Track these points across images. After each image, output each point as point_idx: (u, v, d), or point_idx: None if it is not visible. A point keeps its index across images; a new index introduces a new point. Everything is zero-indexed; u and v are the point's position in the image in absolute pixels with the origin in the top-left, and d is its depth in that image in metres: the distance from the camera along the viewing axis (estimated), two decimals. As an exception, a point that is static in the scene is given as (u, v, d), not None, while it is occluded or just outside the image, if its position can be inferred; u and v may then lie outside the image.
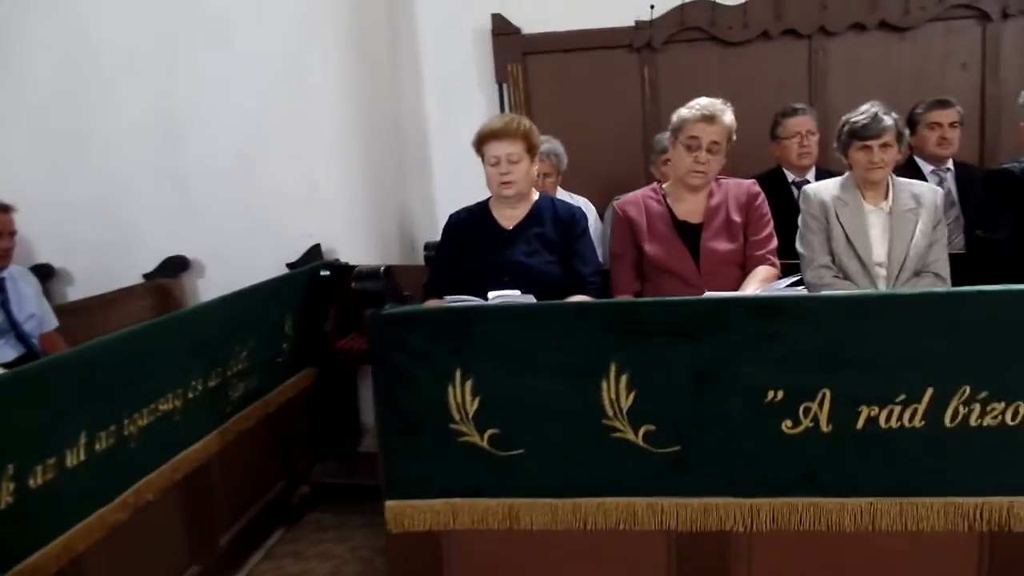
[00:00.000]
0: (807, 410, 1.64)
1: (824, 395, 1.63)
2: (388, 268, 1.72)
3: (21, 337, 2.66)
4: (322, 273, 3.42)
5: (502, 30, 4.03)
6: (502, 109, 4.13)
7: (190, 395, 2.44)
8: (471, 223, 2.42)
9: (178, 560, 2.40)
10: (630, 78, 4.03)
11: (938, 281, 2.27)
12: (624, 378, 1.68)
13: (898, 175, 2.42)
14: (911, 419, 1.61)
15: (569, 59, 4.06)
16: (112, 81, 3.82)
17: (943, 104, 3.05)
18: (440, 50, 4.19)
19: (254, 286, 3.31)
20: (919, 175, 2.96)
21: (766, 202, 2.34)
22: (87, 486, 1.99)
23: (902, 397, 1.61)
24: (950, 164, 3.07)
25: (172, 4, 3.73)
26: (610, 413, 1.70)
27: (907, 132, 2.32)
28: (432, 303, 2.35)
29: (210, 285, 3.91)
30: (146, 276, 3.92)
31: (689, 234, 2.29)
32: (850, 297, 1.62)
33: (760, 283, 2.17)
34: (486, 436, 1.75)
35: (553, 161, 3.13)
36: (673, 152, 2.33)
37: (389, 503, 1.80)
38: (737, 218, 2.28)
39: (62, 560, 1.88)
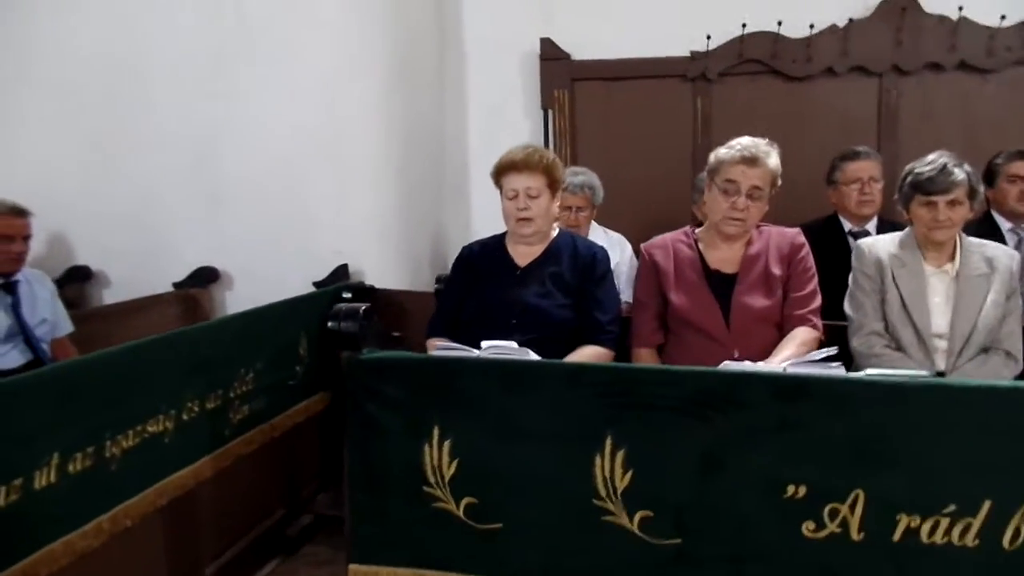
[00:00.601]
0: (834, 512, 1.39)
1: (856, 496, 1.38)
2: (369, 309, 1.55)
3: (29, 342, 2.61)
4: (344, 295, 3.30)
5: (551, 55, 3.88)
6: (546, 136, 3.98)
7: (184, 416, 2.33)
8: (483, 258, 2.25)
9: (156, 590, 2.28)
10: (682, 110, 3.82)
11: (1009, 361, 1.96)
12: (620, 454, 1.47)
13: (971, 233, 2.13)
14: (962, 536, 1.34)
15: (618, 87, 3.88)
16: (153, 90, 3.84)
17: None
18: (487, 73, 4.08)
19: (269, 305, 3.22)
20: (996, 233, 2.64)
21: (811, 255, 2.09)
22: (56, 510, 1.88)
23: (952, 508, 1.35)
24: None
25: (217, 18, 3.74)
26: (603, 493, 1.48)
27: (982, 188, 2.03)
28: (433, 343, 2.18)
29: (238, 298, 3.87)
30: (176, 285, 3.90)
31: (721, 286, 2.06)
32: (894, 382, 1.37)
33: (798, 347, 1.91)
34: (462, 505, 1.56)
35: (587, 194, 2.93)
36: (708, 195, 2.11)
37: (353, 567, 1.62)
38: (777, 271, 2.04)
39: (21, 586, 1.78)
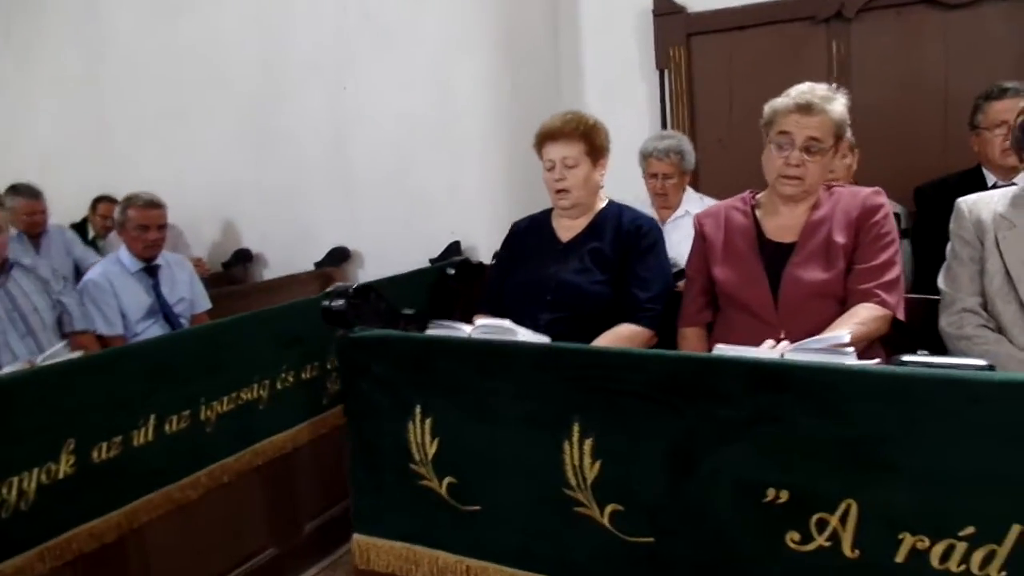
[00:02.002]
0: (822, 523, 1.18)
1: (848, 507, 1.16)
2: (365, 286, 1.59)
3: (169, 318, 3.00)
4: (448, 271, 3.39)
5: (665, 9, 3.63)
6: (662, 99, 3.74)
7: (279, 386, 2.55)
8: (529, 233, 2.19)
9: (256, 541, 2.53)
10: (815, 58, 3.38)
11: None
12: (588, 443, 1.37)
13: (955, 191, 1.73)
14: (984, 565, 1.08)
15: (740, 38, 3.52)
16: (293, 87, 4.21)
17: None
18: (601, 38, 3.91)
19: (374, 282, 3.42)
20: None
21: (890, 218, 1.76)
22: (154, 465, 2.15)
23: (970, 530, 1.08)
24: None
25: (341, 15, 4.00)
26: (573, 483, 1.39)
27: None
28: (479, 319, 2.17)
29: (368, 275, 4.16)
30: (316, 265, 4.27)
31: (776, 257, 1.80)
32: (892, 373, 1.12)
33: (858, 326, 1.62)
34: (444, 484, 1.55)
35: (674, 160, 2.72)
36: (765, 153, 1.86)
37: (356, 537, 1.68)
38: (840, 239, 1.74)
39: (123, 528, 2.06)
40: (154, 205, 2.95)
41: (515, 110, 3.85)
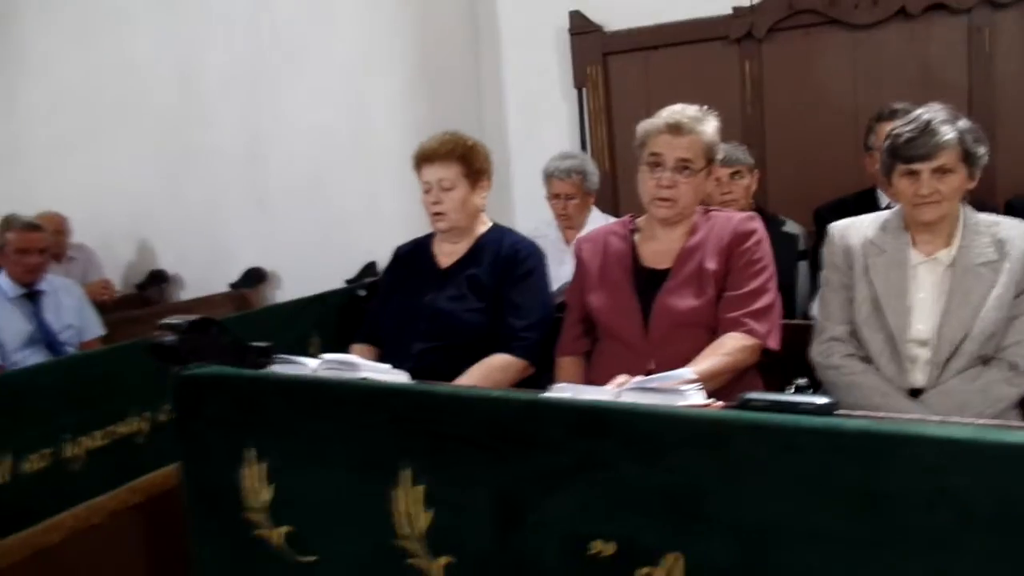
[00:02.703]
0: (648, 578, 1.10)
1: (674, 561, 1.08)
2: (204, 319, 1.47)
3: (52, 346, 2.84)
4: (359, 293, 3.28)
5: (581, 28, 3.60)
6: (581, 117, 3.70)
7: (162, 418, 2.40)
8: (411, 258, 2.10)
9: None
10: (727, 77, 3.37)
11: (1014, 377, 1.47)
12: (420, 490, 1.27)
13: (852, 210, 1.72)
14: (806, 622, 1.00)
15: (656, 58, 3.51)
16: (212, 105, 4.09)
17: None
18: (522, 56, 3.88)
19: (280, 304, 3.30)
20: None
21: (764, 244, 1.71)
22: (12, 507, 1.99)
23: (798, 586, 1.01)
24: None
25: (254, 33, 3.91)
26: (404, 532, 1.29)
27: (983, 149, 1.54)
28: (354, 349, 2.06)
29: (285, 296, 4.04)
30: (232, 286, 4.12)
31: (650, 284, 1.74)
32: (709, 419, 1.05)
33: (722, 356, 1.56)
34: (280, 533, 1.43)
35: (575, 180, 2.66)
36: (639, 175, 1.79)
37: (195, 589, 1.55)
38: (712, 265, 1.68)
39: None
40: (34, 228, 2.79)
41: (433, 127, 3.75)
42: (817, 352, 1.66)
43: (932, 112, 1.55)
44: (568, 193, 2.66)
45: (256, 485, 1.43)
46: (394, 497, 1.29)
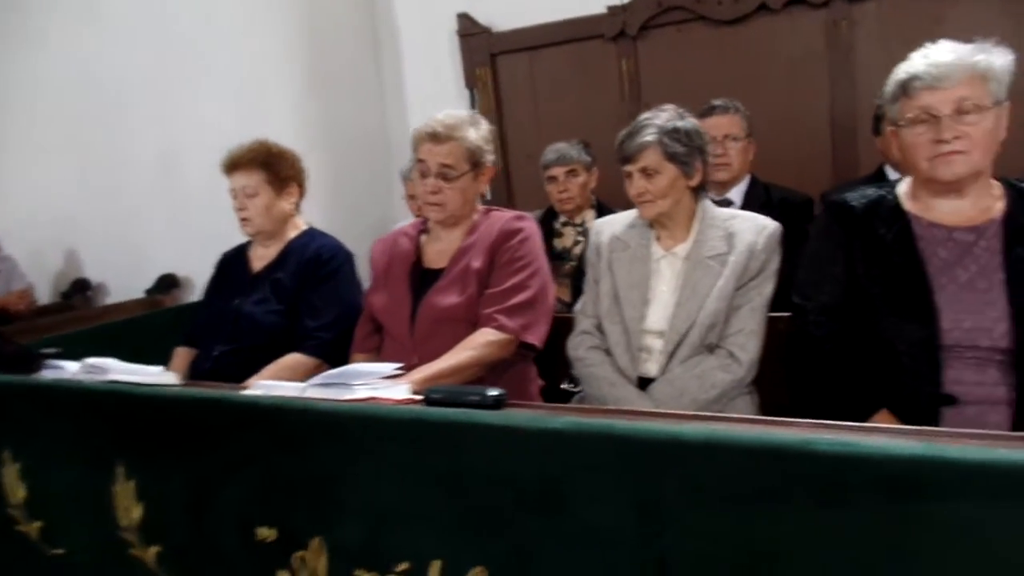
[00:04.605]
0: (302, 562, 1.18)
1: (318, 544, 1.16)
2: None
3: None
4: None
5: (469, 30, 3.66)
6: (474, 118, 3.76)
7: None
8: (230, 262, 2.18)
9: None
10: (607, 74, 3.42)
11: (731, 364, 1.53)
12: (132, 485, 1.35)
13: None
14: (418, 599, 1.08)
15: (540, 57, 3.56)
16: (122, 114, 4.18)
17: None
18: (420, 58, 3.93)
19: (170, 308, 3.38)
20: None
21: (530, 242, 1.77)
22: None
23: (404, 566, 1.08)
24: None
25: (164, 43, 3.97)
26: (124, 524, 1.38)
27: (699, 146, 1.60)
28: (177, 352, 2.15)
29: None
30: (148, 292, 4.22)
31: (425, 283, 1.81)
32: (333, 410, 1.12)
33: (468, 352, 1.63)
34: (36, 528, 1.52)
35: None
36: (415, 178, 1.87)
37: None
38: (477, 263, 1.75)
39: None
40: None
41: (332, 132, 3.86)
42: (570, 345, 1.73)
43: (652, 114, 1.62)
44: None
45: (13, 484, 1.51)
46: (114, 492, 1.37)
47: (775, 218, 2.03)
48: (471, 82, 3.72)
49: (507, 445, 0.98)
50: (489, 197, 3.79)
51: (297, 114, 3.75)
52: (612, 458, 0.90)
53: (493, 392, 1.22)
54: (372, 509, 1.11)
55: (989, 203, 1.36)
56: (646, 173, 1.58)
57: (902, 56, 2.75)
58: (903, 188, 1.43)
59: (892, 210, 1.40)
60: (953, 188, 1.35)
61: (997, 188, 1.38)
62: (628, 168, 1.61)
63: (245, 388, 1.35)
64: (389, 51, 4.03)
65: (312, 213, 3.74)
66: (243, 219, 2.03)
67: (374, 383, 1.31)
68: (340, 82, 3.89)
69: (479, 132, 1.80)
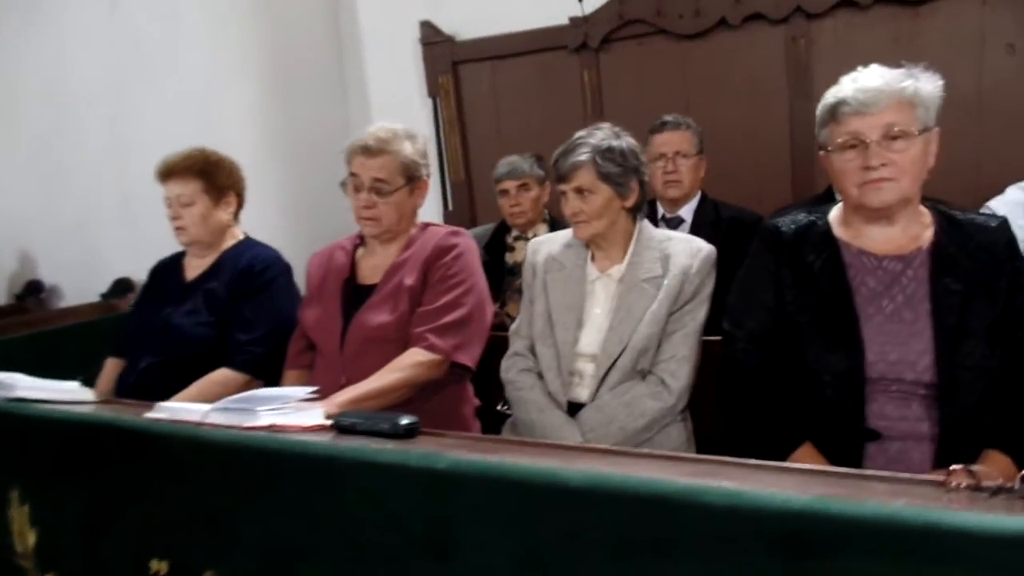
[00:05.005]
0: (195, 596, 1.12)
1: (210, 579, 1.10)
2: None
3: None
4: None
5: (432, 39, 3.62)
6: (436, 127, 3.72)
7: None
8: (165, 271, 2.11)
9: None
10: (569, 85, 3.39)
11: (661, 392, 1.49)
12: (26, 510, 1.29)
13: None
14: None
15: (503, 66, 3.53)
16: (77, 117, 4.10)
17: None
18: (384, 65, 3.88)
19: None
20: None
21: (464, 259, 1.72)
22: None
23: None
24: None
25: (118, 46, 3.91)
26: (20, 550, 1.31)
27: (635, 167, 1.56)
28: (108, 363, 2.08)
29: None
30: (103, 296, 4.12)
31: (357, 299, 1.76)
32: (226, 440, 1.06)
33: (395, 374, 1.58)
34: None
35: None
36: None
37: None
38: (409, 280, 1.70)
39: None
40: None
41: (293, 138, 3.80)
42: (502, 367, 1.68)
43: (587, 132, 1.59)
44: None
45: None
46: (10, 517, 1.31)
47: (724, 237, 2.01)
48: (433, 90, 3.67)
49: (394, 484, 0.93)
50: (452, 208, 3.78)
51: (257, 120, 3.70)
52: (496, 502, 0.86)
53: (405, 420, 1.18)
54: (265, 545, 1.05)
55: (919, 231, 1.34)
56: (580, 193, 1.54)
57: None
58: (835, 214, 1.41)
59: (822, 236, 1.37)
60: (883, 215, 1.32)
61: (927, 215, 1.36)
62: (562, 187, 1.57)
63: (149, 410, 1.29)
64: (352, 58, 3.98)
65: (272, 219, 3.71)
66: (178, 228, 1.97)
67: (282, 409, 1.25)
68: (302, 88, 3.83)
69: (414, 146, 1.75)
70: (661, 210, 2.39)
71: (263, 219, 3.70)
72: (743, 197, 2.67)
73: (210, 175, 1.98)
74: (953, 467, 0.90)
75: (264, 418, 1.21)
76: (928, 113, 1.30)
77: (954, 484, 0.88)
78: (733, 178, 2.92)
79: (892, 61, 2.92)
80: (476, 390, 1.84)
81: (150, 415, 1.26)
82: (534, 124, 3.49)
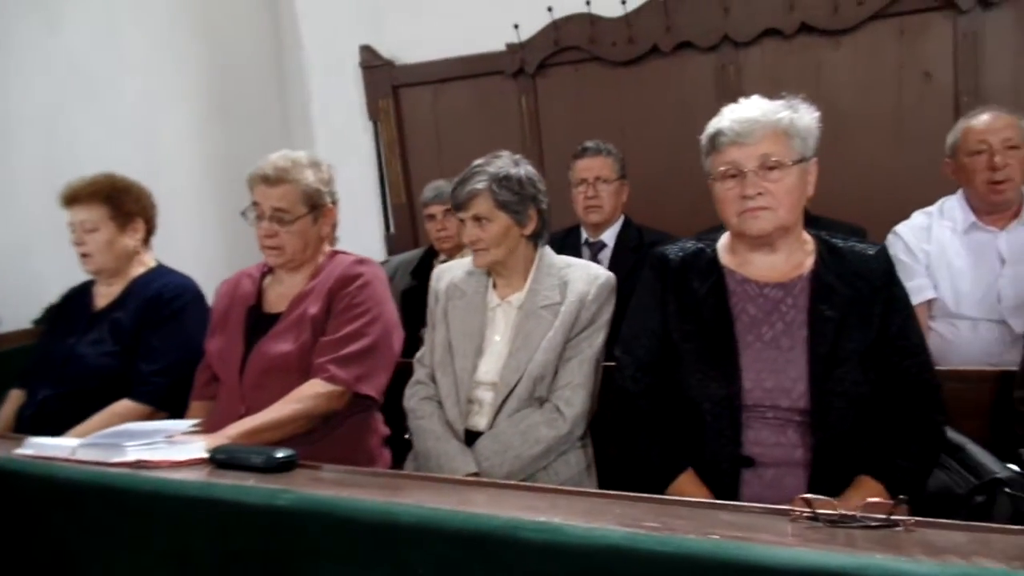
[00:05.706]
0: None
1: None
2: None
3: None
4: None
5: (372, 62, 3.63)
6: (377, 150, 3.72)
7: None
8: (74, 298, 2.07)
9: None
10: (508, 110, 3.42)
11: (556, 420, 1.49)
12: None
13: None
14: None
15: (442, 91, 3.55)
16: (12, 140, 4.01)
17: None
18: (326, 88, 3.88)
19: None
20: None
21: (370, 288, 1.70)
22: None
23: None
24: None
25: (55, 70, 3.84)
26: None
27: (514, 197, 1.57)
28: (12, 394, 2.02)
29: (92, 333, 3.92)
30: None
31: (260, 328, 1.73)
32: (37, 473, 1.03)
33: (292, 405, 1.55)
34: None
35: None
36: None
37: None
38: (313, 309, 1.68)
39: None
40: None
41: (234, 164, 3.77)
42: (405, 395, 1.67)
43: (485, 160, 1.59)
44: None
45: None
46: None
47: (645, 261, 2.03)
48: (374, 114, 3.68)
49: (234, 522, 0.91)
50: (393, 231, 3.76)
51: (196, 144, 3.68)
52: (333, 539, 0.84)
53: (280, 454, 1.16)
54: (113, 585, 1.02)
55: (801, 258, 1.36)
56: (478, 221, 1.54)
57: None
58: (723, 242, 1.43)
59: (709, 263, 1.39)
60: (764, 243, 1.34)
61: (811, 243, 1.38)
62: (460, 215, 1.57)
63: (19, 445, 1.25)
64: (295, 82, 3.97)
65: (209, 244, 3.68)
66: (82, 255, 1.93)
67: (153, 443, 1.23)
68: (243, 111, 3.81)
69: (317, 174, 1.74)
70: (584, 234, 2.40)
71: (201, 244, 3.71)
72: (675, 220, 2.70)
73: (116, 201, 1.95)
74: (797, 496, 0.91)
75: (132, 453, 1.19)
76: (805, 144, 1.33)
77: (795, 515, 0.89)
78: (664, 202, 2.96)
79: (817, 87, 3.00)
80: (389, 419, 1.82)
81: (18, 451, 1.22)
82: (473, 147, 3.45)
